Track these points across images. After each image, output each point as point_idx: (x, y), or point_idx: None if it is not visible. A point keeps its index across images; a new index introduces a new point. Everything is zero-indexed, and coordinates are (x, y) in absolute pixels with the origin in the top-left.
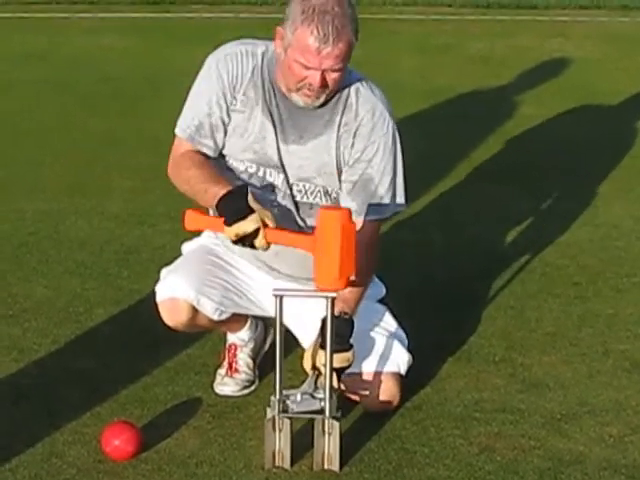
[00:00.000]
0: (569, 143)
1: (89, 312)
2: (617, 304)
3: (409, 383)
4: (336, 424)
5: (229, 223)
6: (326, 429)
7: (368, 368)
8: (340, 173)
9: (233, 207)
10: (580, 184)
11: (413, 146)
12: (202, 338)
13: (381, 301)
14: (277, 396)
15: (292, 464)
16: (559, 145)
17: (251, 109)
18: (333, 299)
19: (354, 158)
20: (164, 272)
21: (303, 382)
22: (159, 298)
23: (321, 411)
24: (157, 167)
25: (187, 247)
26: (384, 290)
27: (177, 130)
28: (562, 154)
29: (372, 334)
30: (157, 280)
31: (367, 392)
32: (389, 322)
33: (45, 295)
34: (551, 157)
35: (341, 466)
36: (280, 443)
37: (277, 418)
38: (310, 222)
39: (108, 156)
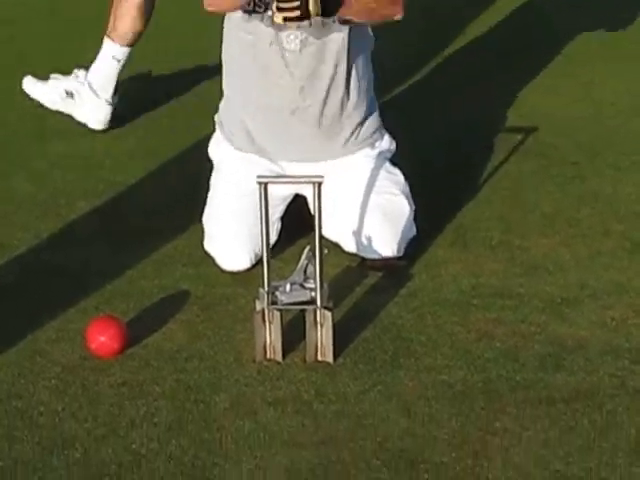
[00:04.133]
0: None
1: (71, 205)
2: (616, 183)
3: (404, 270)
4: (328, 314)
5: None
6: (318, 320)
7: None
8: None
9: None
10: (574, 60)
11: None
12: (188, 229)
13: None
14: (265, 288)
15: (284, 356)
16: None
17: None
18: (320, 184)
19: None
20: (210, 227)
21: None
22: (218, 262)
23: (312, 301)
24: None
25: (220, 187)
26: (395, 145)
27: None
28: (558, 35)
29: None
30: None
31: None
32: (403, 184)
33: (25, 189)
34: (547, 39)
35: (335, 357)
36: (271, 336)
37: (266, 310)
38: None
39: None
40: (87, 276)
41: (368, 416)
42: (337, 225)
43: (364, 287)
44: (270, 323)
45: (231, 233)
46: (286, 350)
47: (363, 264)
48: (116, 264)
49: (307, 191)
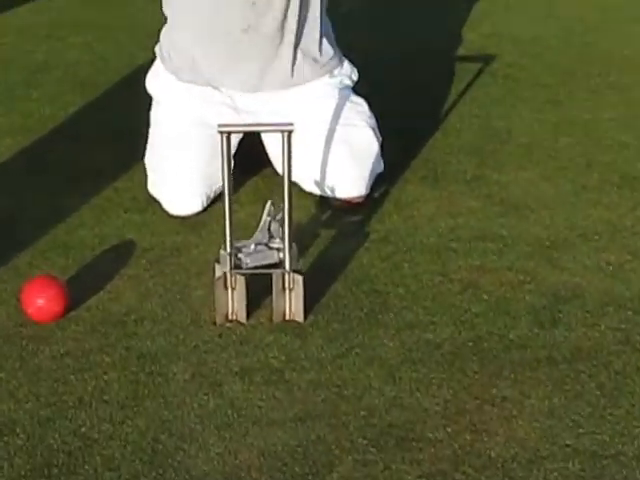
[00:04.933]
0: None
1: None
2: (594, 108)
3: (372, 210)
4: (299, 278)
5: None
6: (287, 285)
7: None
8: None
9: None
10: None
11: None
12: (129, 169)
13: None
14: (227, 249)
15: (248, 318)
16: None
17: None
18: (290, 133)
19: None
20: (154, 167)
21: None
22: (165, 206)
23: (280, 264)
24: None
25: (164, 123)
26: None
27: None
28: None
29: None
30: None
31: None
32: (369, 115)
33: None
34: None
35: (305, 315)
36: (234, 303)
37: (229, 275)
38: None
39: None
40: (18, 226)
41: (348, 385)
42: (296, 162)
43: (330, 232)
44: (233, 289)
45: (179, 173)
46: (250, 309)
47: (326, 205)
48: (51, 211)
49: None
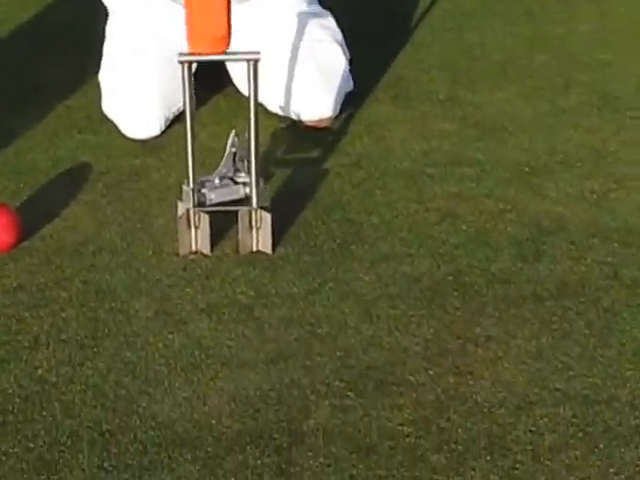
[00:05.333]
0: None
1: None
2: (568, 20)
3: (341, 132)
4: (266, 216)
5: None
6: (253, 223)
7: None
8: None
9: None
10: None
11: None
12: (82, 85)
13: None
14: (190, 185)
15: (212, 250)
16: None
17: None
18: (256, 62)
19: None
20: (109, 86)
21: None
22: (122, 128)
23: (246, 200)
24: None
25: (120, 36)
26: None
27: None
28: None
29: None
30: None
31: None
32: (336, 30)
33: None
34: None
35: (274, 247)
36: (197, 241)
37: (192, 213)
38: None
39: None
40: None
41: (322, 322)
42: (260, 82)
43: (297, 156)
44: (196, 228)
45: (136, 95)
46: (215, 240)
47: (293, 127)
48: None
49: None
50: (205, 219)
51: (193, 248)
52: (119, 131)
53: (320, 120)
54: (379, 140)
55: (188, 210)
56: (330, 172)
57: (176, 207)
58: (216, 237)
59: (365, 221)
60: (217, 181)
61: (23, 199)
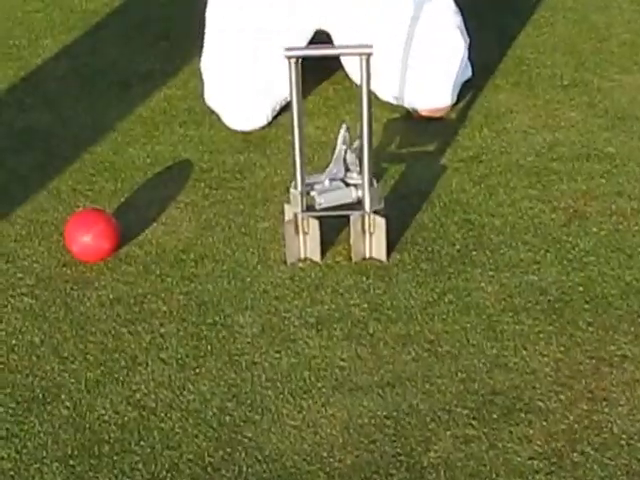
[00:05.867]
0: None
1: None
2: None
3: (459, 123)
4: (381, 221)
5: None
6: (366, 228)
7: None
8: None
9: None
10: None
11: None
12: (183, 75)
13: None
14: (298, 187)
15: (323, 257)
16: None
17: None
18: (369, 57)
19: None
20: (212, 74)
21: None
22: (225, 120)
23: (358, 203)
24: None
25: (224, 25)
26: None
27: None
28: None
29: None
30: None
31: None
32: (455, 11)
33: None
34: None
35: (388, 253)
36: (306, 247)
37: (300, 218)
38: None
39: None
40: (56, 144)
41: (442, 340)
42: (373, 68)
43: (411, 150)
44: (305, 234)
45: (243, 83)
46: (324, 246)
47: (406, 118)
48: (93, 126)
49: (332, 25)
50: (315, 225)
51: (302, 255)
52: (222, 124)
53: (436, 110)
54: (500, 132)
55: (296, 215)
56: (447, 168)
57: (283, 209)
58: (326, 242)
59: (487, 223)
60: (327, 183)
61: (120, 201)
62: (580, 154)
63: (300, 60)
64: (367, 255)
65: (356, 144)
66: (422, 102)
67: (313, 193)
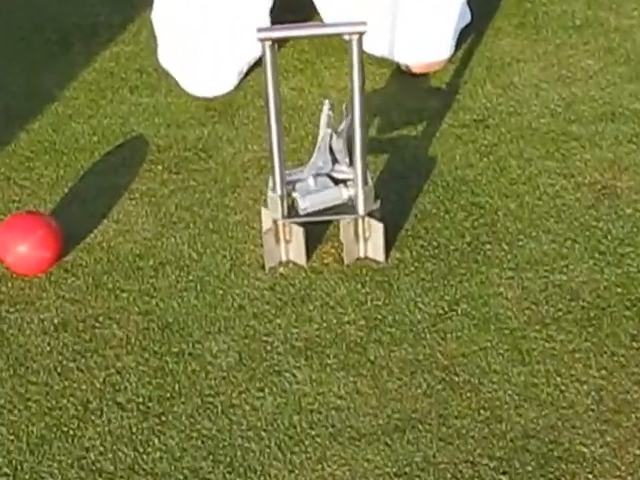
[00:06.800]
0: None
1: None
2: None
3: (458, 77)
4: (378, 226)
5: None
6: (360, 232)
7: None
8: None
9: None
10: None
11: None
12: (133, 25)
13: None
14: (278, 191)
15: (308, 259)
16: None
17: None
18: (361, 36)
19: None
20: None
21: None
22: (189, 89)
23: (349, 205)
24: None
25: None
26: None
27: None
28: None
29: None
30: None
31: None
32: None
33: None
34: None
35: (387, 254)
36: (289, 255)
37: (281, 225)
38: None
39: None
40: None
41: (458, 365)
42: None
43: (405, 114)
44: (287, 242)
45: (201, 39)
46: (310, 245)
47: (399, 74)
48: (29, 94)
49: None
50: (299, 232)
51: (283, 258)
52: (181, 88)
53: (432, 64)
54: (506, 87)
55: (276, 222)
56: (448, 136)
57: (257, 205)
58: (312, 240)
59: (500, 207)
60: (311, 182)
61: (64, 192)
62: (603, 113)
63: (274, 43)
64: (362, 255)
65: (343, 125)
66: (415, 56)
67: (295, 195)
